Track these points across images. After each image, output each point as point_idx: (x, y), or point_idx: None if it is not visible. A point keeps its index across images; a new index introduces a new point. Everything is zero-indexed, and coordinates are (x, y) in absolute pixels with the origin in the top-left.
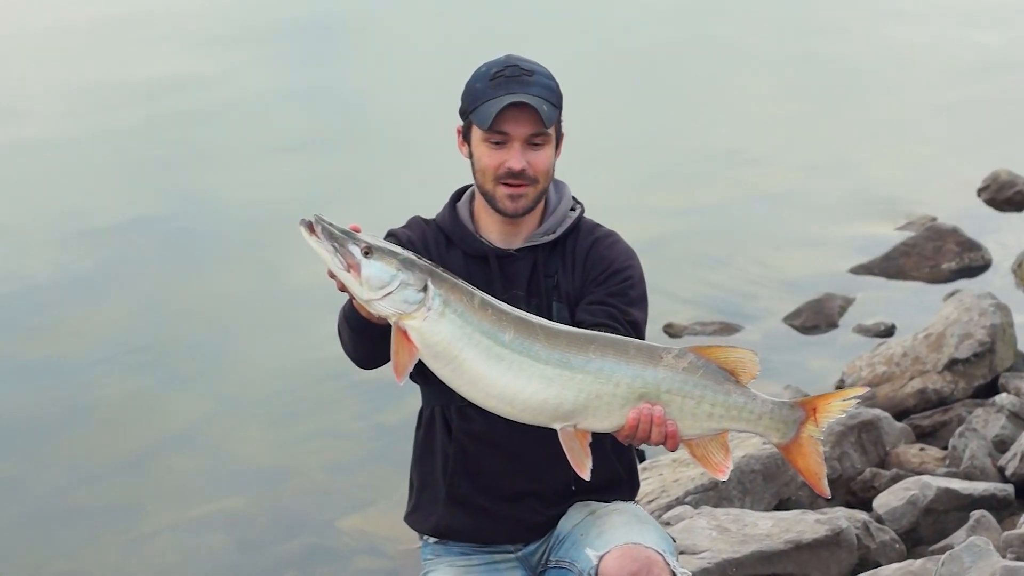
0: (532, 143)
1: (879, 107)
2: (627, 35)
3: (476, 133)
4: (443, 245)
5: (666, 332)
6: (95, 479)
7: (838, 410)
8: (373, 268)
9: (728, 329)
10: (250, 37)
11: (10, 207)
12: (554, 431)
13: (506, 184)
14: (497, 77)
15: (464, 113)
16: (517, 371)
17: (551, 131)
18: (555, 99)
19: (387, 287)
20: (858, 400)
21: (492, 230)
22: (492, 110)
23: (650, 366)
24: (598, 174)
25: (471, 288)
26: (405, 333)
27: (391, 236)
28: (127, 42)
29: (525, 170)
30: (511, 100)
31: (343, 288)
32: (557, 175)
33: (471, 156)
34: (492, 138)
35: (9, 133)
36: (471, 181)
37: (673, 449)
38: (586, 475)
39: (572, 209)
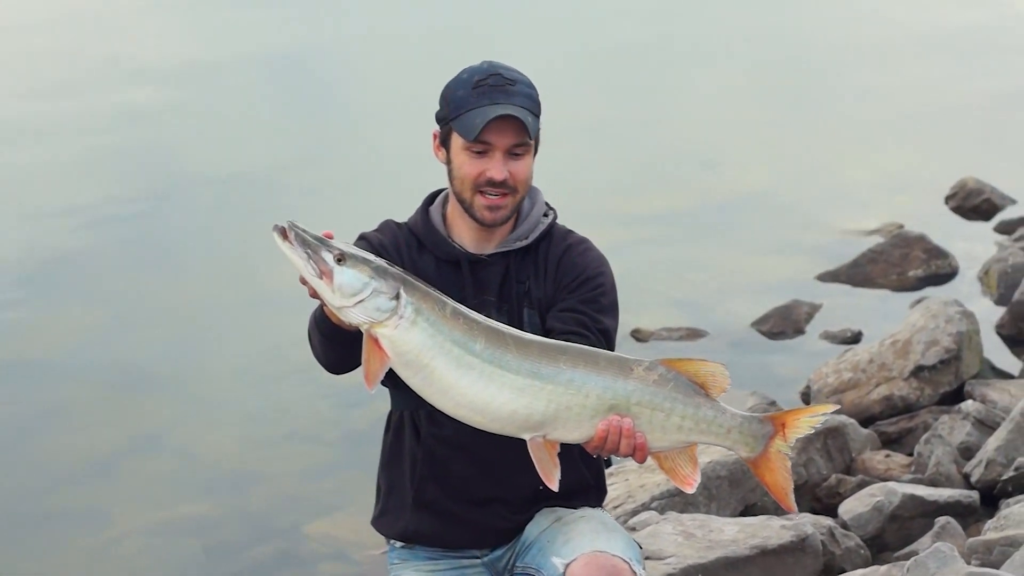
0: (513, 153)
1: (848, 114)
2: (596, 38)
3: (457, 141)
4: (415, 249)
5: (633, 337)
6: (63, 482)
7: (807, 426)
8: (346, 275)
9: (695, 334)
10: (227, 31)
11: None
12: (516, 437)
13: (484, 194)
14: (480, 86)
15: (443, 119)
16: (487, 381)
17: (531, 141)
18: (536, 108)
19: (359, 295)
20: (827, 417)
21: (464, 235)
22: (478, 121)
23: (620, 378)
24: (568, 178)
25: (443, 297)
26: (376, 341)
27: (363, 240)
28: (100, 34)
29: (507, 180)
30: (499, 112)
31: (315, 295)
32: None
33: (449, 162)
34: (475, 147)
35: None
36: (443, 185)
37: (642, 461)
38: (554, 486)
39: (545, 215)
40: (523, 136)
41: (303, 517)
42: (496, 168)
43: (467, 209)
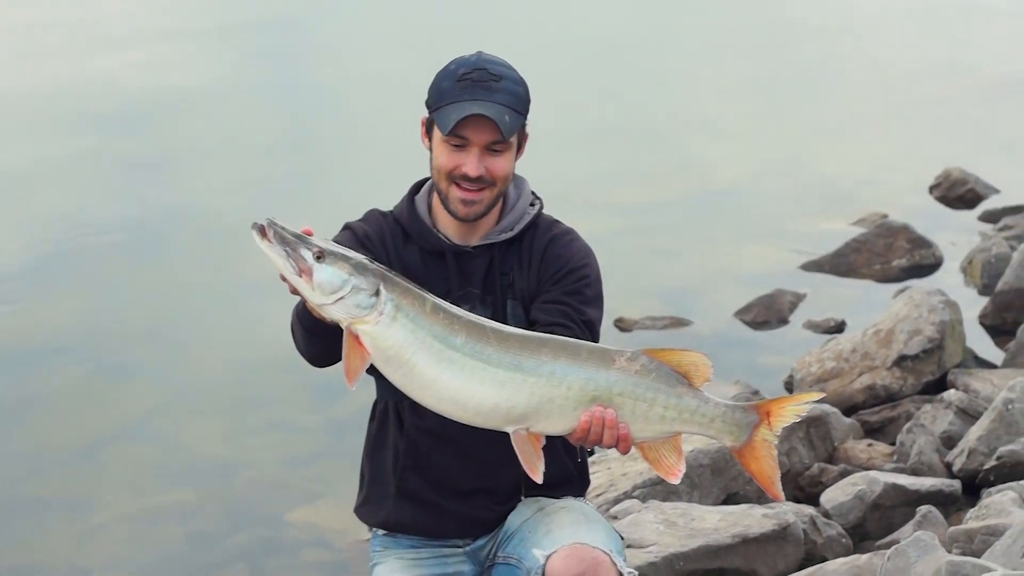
0: (491, 149)
1: (832, 103)
2: (583, 29)
3: (437, 131)
4: (400, 239)
5: (617, 326)
6: (45, 470)
7: (792, 414)
8: (325, 273)
9: (679, 323)
10: (207, 34)
11: None
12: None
13: (460, 186)
14: (464, 79)
15: (429, 108)
16: (469, 375)
17: (512, 139)
18: (520, 106)
19: (339, 292)
20: (812, 405)
21: (449, 225)
22: (453, 116)
23: (602, 369)
24: (553, 167)
25: (423, 292)
26: (357, 337)
27: (348, 230)
28: (83, 40)
29: (482, 176)
30: (474, 111)
31: (295, 291)
32: (517, 169)
33: (431, 150)
34: (452, 141)
35: None
36: (430, 173)
37: (625, 452)
38: (538, 478)
39: (532, 205)
40: (499, 135)
41: (286, 505)
42: (471, 164)
43: (443, 200)
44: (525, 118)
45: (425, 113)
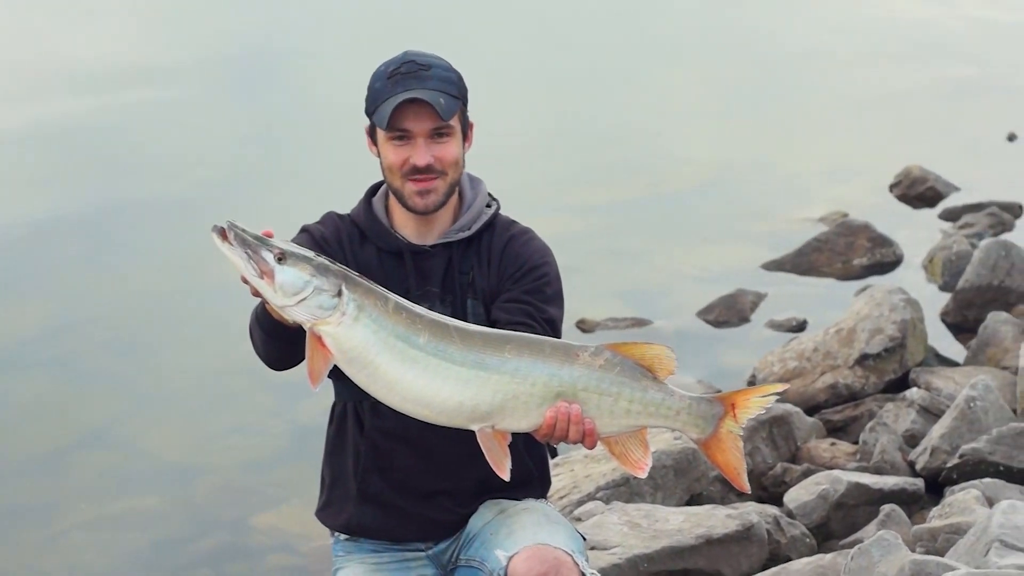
0: (435, 137)
1: (792, 102)
2: (546, 30)
3: (381, 132)
4: (357, 241)
5: (579, 328)
6: (8, 477)
7: (757, 406)
8: (287, 274)
9: (641, 324)
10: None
11: None
12: (468, 430)
13: (413, 180)
14: (394, 75)
15: (368, 114)
16: (432, 374)
17: (454, 123)
18: (455, 90)
19: (301, 293)
20: (777, 396)
21: (407, 226)
22: (388, 109)
23: (566, 364)
24: (513, 169)
25: (385, 292)
26: (320, 339)
27: (305, 232)
28: (50, 29)
29: (432, 164)
30: (404, 97)
31: (256, 294)
32: (473, 171)
33: (379, 155)
34: (394, 136)
35: None
36: (383, 177)
37: (591, 447)
38: (506, 475)
39: (488, 206)
40: (438, 119)
41: (249, 509)
42: (419, 154)
43: (400, 199)
44: (462, 103)
45: (367, 122)
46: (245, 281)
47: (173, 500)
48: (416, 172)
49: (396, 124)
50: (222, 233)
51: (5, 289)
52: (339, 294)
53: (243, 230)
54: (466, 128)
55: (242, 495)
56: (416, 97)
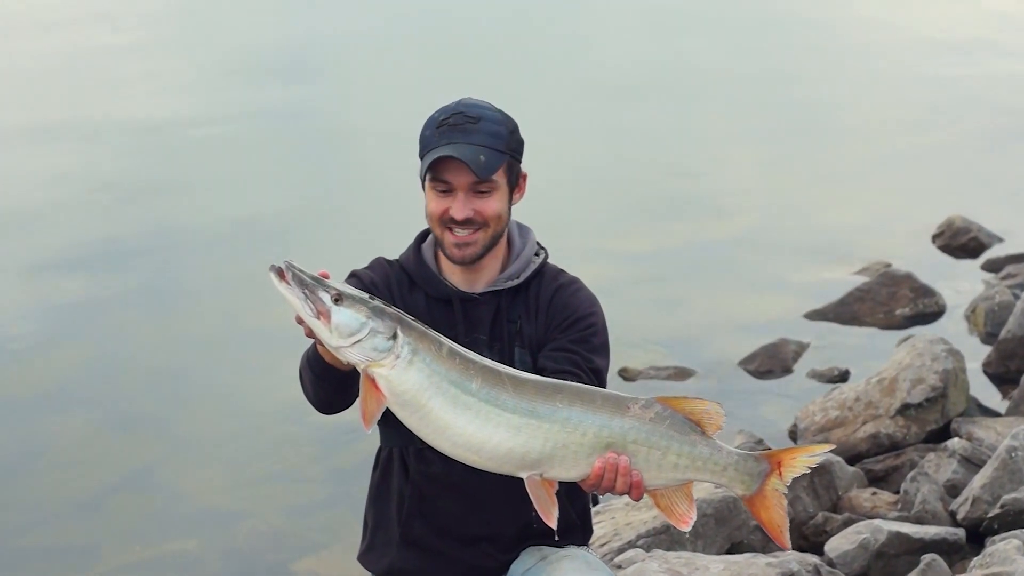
0: (477, 191)
1: (836, 152)
2: (590, 74)
3: (427, 180)
4: (406, 287)
5: (621, 376)
6: (51, 519)
7: (803, 465)
8: (343, 315)
9: (683, 374)
10: (224, 72)
11: None
12: (512, 476)
13: (451, 231)
14: (443, 125)
15: (420, 158)
16: (484, 420)
17: (497, 177)
18: (501, 145)
19: (357, 335)
20: (824, 456)
21: (455, 273)
22: (431, 160)
23: (617, 416)
24: (559, 217)
25: (439, 337)
26: (373, 381)
27: (354, 277)
28: (99, 78)
29: (471, 217)
30: (446, 153)
31: (311, 334)
32: (521, 219)
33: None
34: (437, 187)
35: None
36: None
37: (638, 499)
38: (553, 523)
39: (536, 255)
40: (475, 176)
41: (290, 554)
42: (458, 207)
43: (440, 246)
44: (509, 156)
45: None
46: (300, 321)
47: (214, 544)
48: (454, 223)
49: (438, 175)
50: (280, 273)
51: (50, 331)
52: (394, 337)
53: (301, 270)
54: (515, 180)
55: (284, 539)
56: (452, 155)
